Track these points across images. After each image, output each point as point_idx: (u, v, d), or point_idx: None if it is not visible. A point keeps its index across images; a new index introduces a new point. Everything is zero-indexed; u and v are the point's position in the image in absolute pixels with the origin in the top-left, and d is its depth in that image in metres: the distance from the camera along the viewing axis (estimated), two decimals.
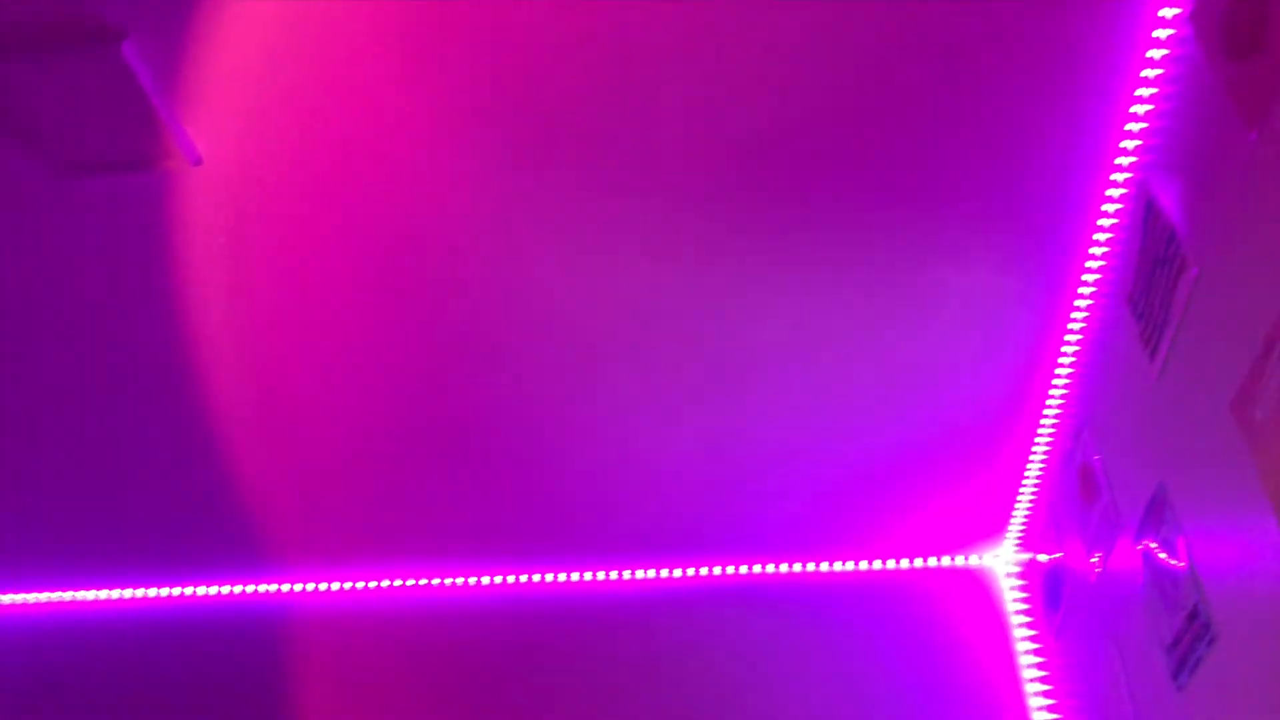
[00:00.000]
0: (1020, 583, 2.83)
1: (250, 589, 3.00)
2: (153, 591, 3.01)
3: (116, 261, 2.08)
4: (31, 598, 3.04)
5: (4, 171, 1.91)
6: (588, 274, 2.11)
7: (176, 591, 3.01)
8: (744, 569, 2.92)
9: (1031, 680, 2.67)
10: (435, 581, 2.96)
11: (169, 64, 1.74)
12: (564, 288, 2.14)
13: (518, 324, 2.21)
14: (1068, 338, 2.22)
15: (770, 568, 2.91)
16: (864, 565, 2.90)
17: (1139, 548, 2.01)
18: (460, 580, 2.96)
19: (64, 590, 3.02)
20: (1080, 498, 2.32)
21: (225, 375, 2.34)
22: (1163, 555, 1.90)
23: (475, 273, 2.11)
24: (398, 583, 2.97)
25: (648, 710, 2.73)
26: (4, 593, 3.03)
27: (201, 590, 3.01)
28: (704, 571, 2.92)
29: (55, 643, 2.98)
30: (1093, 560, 2.28)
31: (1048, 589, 2.63)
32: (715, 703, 2.72)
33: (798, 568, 2.90)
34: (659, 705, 2.73)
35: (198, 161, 1.89)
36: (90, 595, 3.03)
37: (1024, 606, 2.78)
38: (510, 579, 2.95)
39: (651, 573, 2.93)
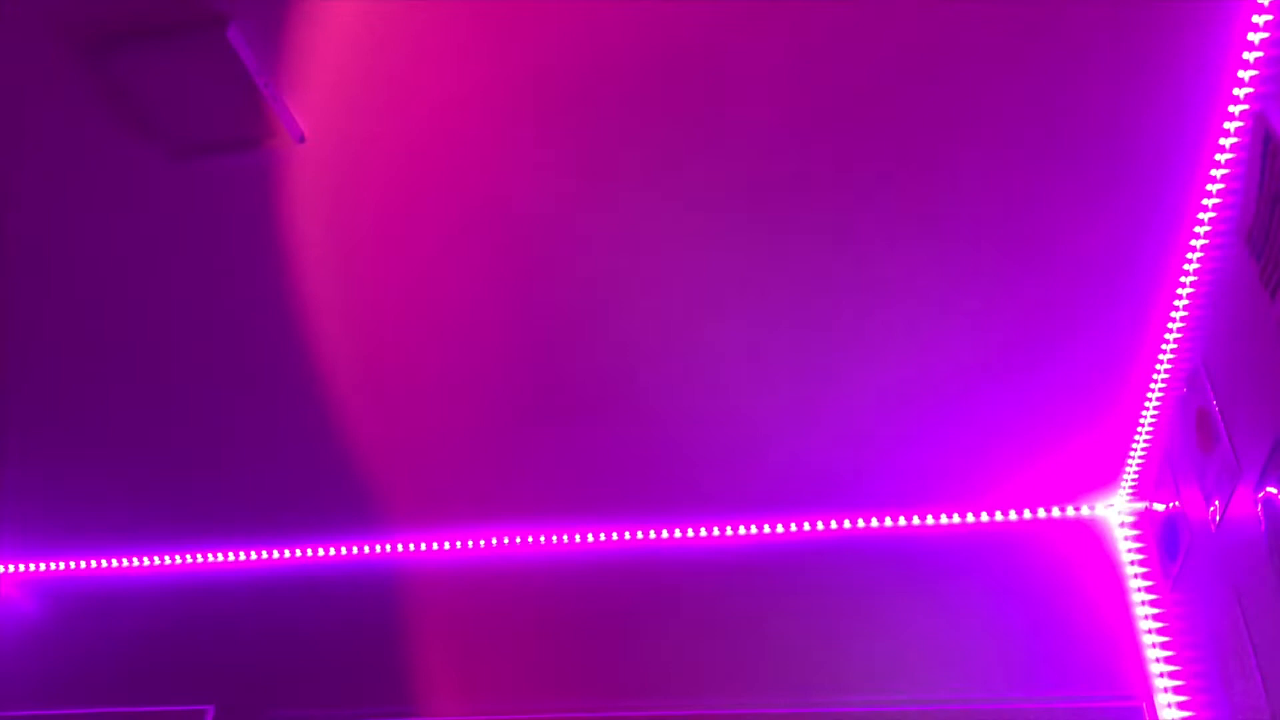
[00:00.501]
0: (1136, 533, 2.75)
1: (368, 550, 3.14)
2: (277, 554, 3.17)
3: (229, 239, 2.17)
4: (162, 559, 3.24)
5: (120, 156, 2.00)
6: (689, 238, 2.11)
7: (299, 553, 3.17)
8: (859, 523, 2.91)
9: (1149, 631, 2.61)
10: (546, 539, 3.05)
11: (271, 46, 1.79)
12: (667, 253, 2.14)
13: (621, 287, 2.23)
14: (1183, 279, 2.13)
15: (886, 521, 2.90)
16: (978, 518, 2.86)
17: (1260, 495, 1.93)
18: (571, 538, 3.03)
19: (199, 552, 3.20)
20: (1197, 444, 2.24)
21: (338, 347, 2.42)
22: None
23: (578, 241, 2.13)
24: (507, 541, 3.06)
25: (763, 665, 2.76)
26: (142, 555, 3.22)
27: (323, 551, 3.15)
28: (818, 526, 2.93)
29: (190, 601, 3.17)
30: (1211, 509, 2.20)
31: (1164, 538, 2.55)
32: (829, 657, 2.73)
33: (915, 521, 2.89)
34: (774, 660, 2.76)
35: (301, 139, 1.95)
36: (219, 558, 3.20)
37: (1140, 557, 2.71)
38: (618, 536, 3.01)
39: (766, 528, 2.95)
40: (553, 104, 1.87)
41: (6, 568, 3.34)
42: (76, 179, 2.06)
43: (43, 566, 3.32)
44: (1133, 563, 2.72)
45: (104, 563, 3.28)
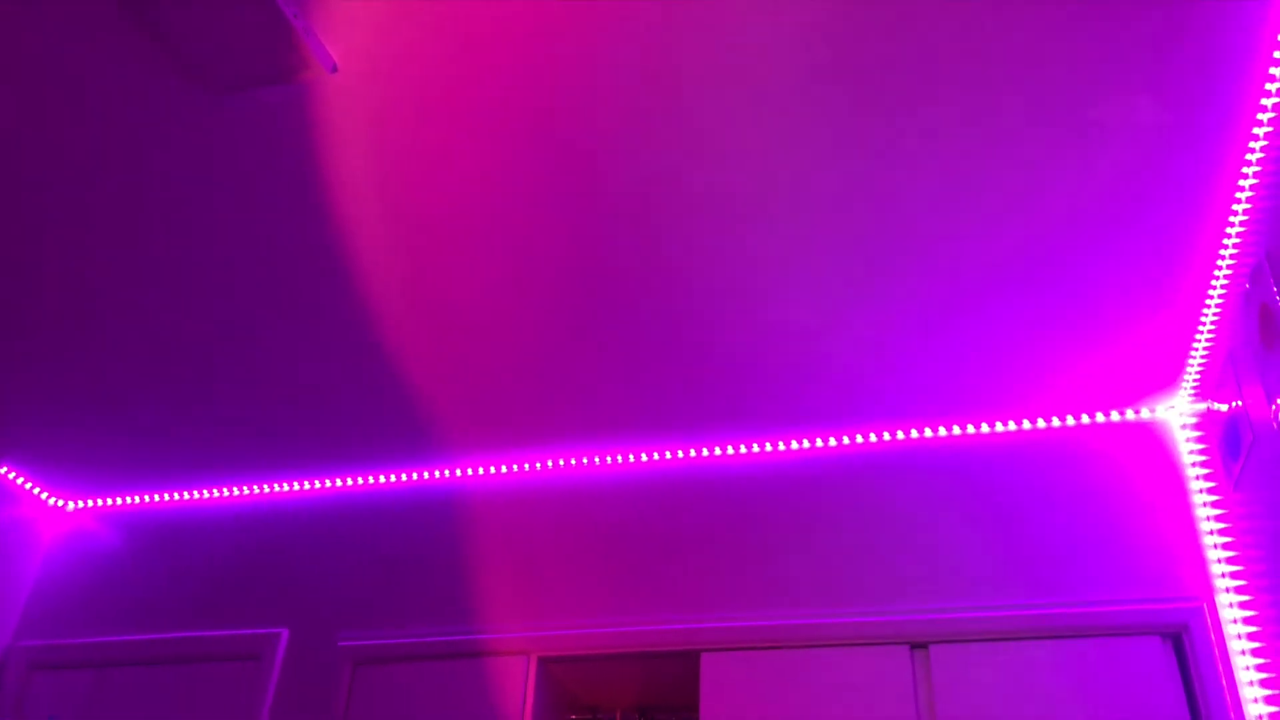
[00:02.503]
0: (1197, 434, 2.70)
1: (428, 475, 3.21)
2: (341, 482, 3.26)
3: (272, 172, 2.19)
4: (233, 491, 3.35)
5: (158, 96, 2.02)
6: (735, 148, 2.08)
7: (363, 480, 3.25)
8: (912, 434, 2.90)
9: (1210, 533, 2.57)
10: (596, 460, 3.09)
11: None
12: (710, 165, 2.12)
13: (666, 201, 2.21)
14: (1245, 169, 2.05)
15: (940, 431, 2.88)
16: (1034, 424, 2.83)
17: None
18: (620, 458, 3.07)
19: (267, 483, 3.31)
20: (1260, 341, 2.18)
21: (385, 274, 2.45)
22: None
23: (624, 157, 2.11)
24: (561, 463, 3.11)
25: (812, 577, 2.78)
26: (214, 487, 3.34)
27: (385, 478, 3.23)
28: (870, 439, 2.92)
29: (260, 530, 3.28)
30: (1273, 407, 2.15)
31: (1226, 439, 2.50)
32: (880, 569, 2.74)
33: (970, 430, 2.86)
34: (824, 572, 2.78)
35: (334, 69, 1.95)
36: (286, 488, 3.30)
37: (1201, 459, 2.66)
38: (669, 455, 3.04)
39: (814, 443, 2.95)
40: (594, 20, 1.84)
41: (87, 503, 3.48)
42: (119, 120, 2.09)
43: (122, 500, 3.45)
44: (1194, 465, 2.67)
45: (179, 495, 3.40)
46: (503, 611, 2.94)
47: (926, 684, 2.57)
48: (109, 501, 3.46)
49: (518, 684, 2.82)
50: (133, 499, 3.44)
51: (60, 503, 3.49)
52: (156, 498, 3.42)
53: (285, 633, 3.05)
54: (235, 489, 3.36)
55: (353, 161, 2.17)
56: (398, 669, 2.93)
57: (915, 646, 2.62)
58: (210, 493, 3.38)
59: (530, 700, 2.79)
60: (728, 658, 2.71)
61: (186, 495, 3.39)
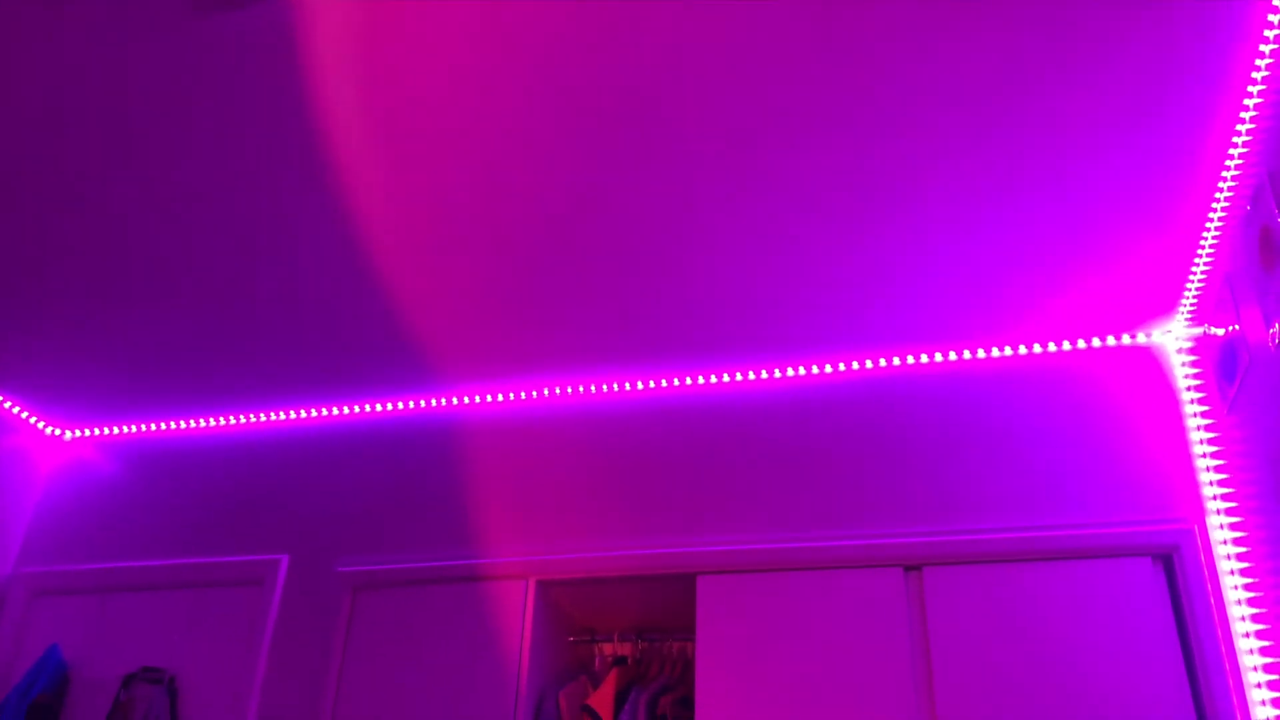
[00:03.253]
0: (1193, 358, 2.70)
1: (425, 403, 3.21)
2: (338, 410, 3.27)
3: (259, 96, 2.15)
4: (230, 419, 3.35)
5: (140, 13, 1.98)
6: (724, 65, 2.04)
7: (360, 409, 3.26)
8: (909, 359, 2.89)
9: (1203, 456, 2.58)
10: (591, 388, 3.09)
11: None
12: (703, 83, 2.08)
13: (661, 123, 2.18)
14: (1249, 89, 2.02)
15: (936, 357, 2.88)
16: (1030, 349, 2.82)
17: None
18: (614, 386, 3.07)
19: (264, 411, 3.31)
20: (1259, 263, 2.17)
21: (376, 203, 2.42)
22: None
23: (610, 75, 2.07)
24: (557, 391, 3.12)
25: (808, 501, 2.80)
26: (211, 416, 3.34)
27: (382, 406, 3.24)
28: (868, 364, 2.92)
29: (259, 458, 3.29)
30: (1271, 330, 2.14)
31: (1222, 362, 2.50)
32: (877, 494, 2.76)
33: (966, 355, 2.86)
34: (821, 497, 2.80)
35: None
36: (284, 416, 3.31)
37: (1197, 383, 2.67)
38: (665, 382, 3.04)
39: (808, 369, 2.95)
40: None
41: (85, 432, 3.49)
42: (108, 40, 2.04)
43: (120, 429, 3.46)
44: (1189, 389, 2.68)
45: (177, 424, 3.40)
46: (501, 536, 2.97)
47: (919, 606, 2.60)
48: (107, 430, 3.47)
49: (516, 607, 2.85)
50: (131, 428, 3.45)
51: (58, 432, 3.49)
52: (154, 426, 3.43)
53: (285, 559, 3.08)
54: (234, 417, 3.36)
55: (340, 85, 2.13)
56: (397, 594, 2.96)
57: (909, 569, 2.65)
58: (208, 421, 3.38)
59: (529, 623, 2.83)
60: (723, 580, 2.74)
61: (184, 424, 3.40)
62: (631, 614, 3.06)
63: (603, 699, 2.79)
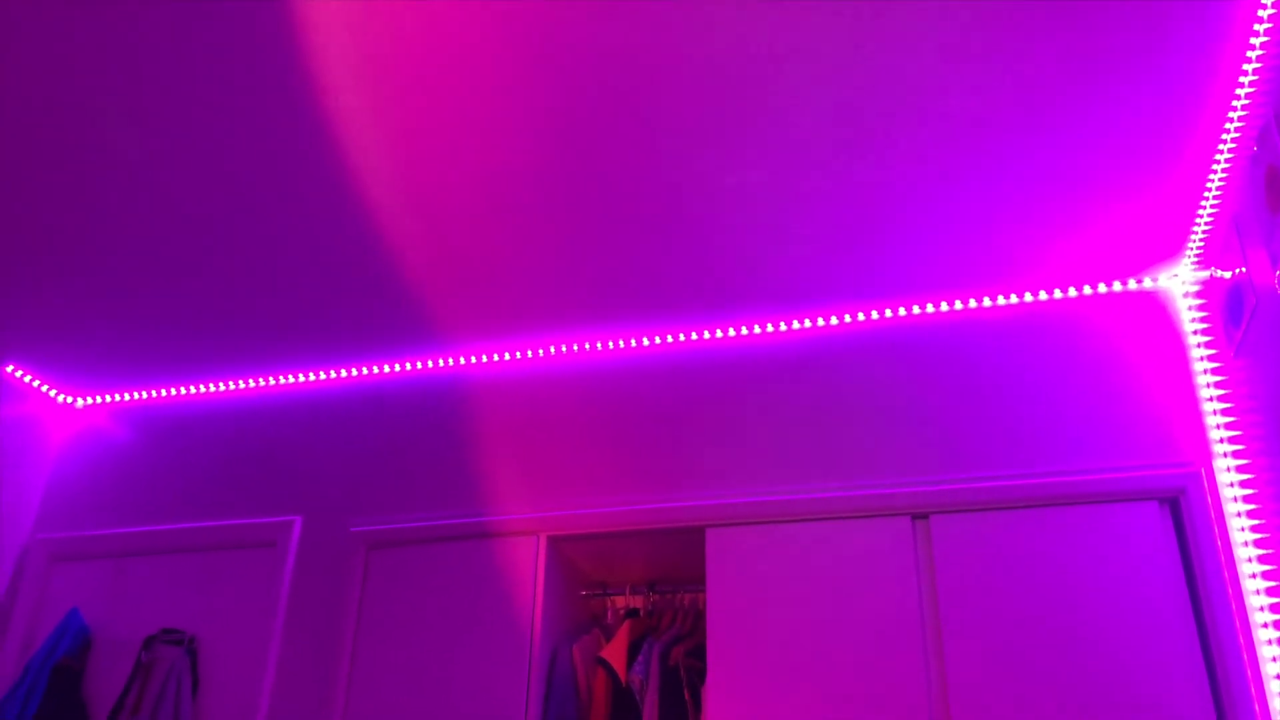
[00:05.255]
0: (1199, 302, 2.69)
1: (432, 364, 3.22)
2: (347, 372, 3.28)
3: (260, 64, 2.14)
4: (241, 384, 3.38)
5: None
6: (717, 11, 2.01)
7: (369, 370, 3.27)
8: (915, 309, 2.89)
9: (1210, 400, 2.58)
10: (597, 345, 3.10)
11: None
12: (695, 34, 2.06)
13: (660, 85, 2.16)
14: (1256, 27, 1.99)
15: (943, 306, 2.87)
16: (1037, 297, 2.81)
17: None
18: (622, 341, 3.08)
19: (275, 374, 3.33)
20: (1266, 205, 2.15)
21: (376, 164, 2.41)
22: None
23: (608, 35, 2.05)
24: (563, 349, 3.12)
25: (812, 453, 2.81)
26: (222, 380, 3.36)
27: (390, 368, 3.26)
28: (874, 315, 2.92)
29: (271, 421, 3.32)
30: (1278, 272, 2.13)
31: (1229, 306, 2.49)
32: (885, 443, 2.77)
33: (972, 304, 2.85)
34: (825, 448, 2.81)
35: None
36: (294, 379, 3.33)
37: (1203, 326, 2.66)
38: (671, 337, 3.05)
39: (820, 320, 2.95)
40: None
41: (97, 399, 3.52)
42: (117, 12, 2.03)
43: (132, 396, 3.48)
44: (1195, 333, 2.67)
45: (187, 389, 3.43)
46: (511, 493, 3.00)
47: (927, 554, 2.62)
48: (118, 397, 3.50)
49: (528, 563, 2.88)
50: (142, 394, 3.47)
51: (69, 399, 3.52)
52: (165, 392, 3.45)
53: (299, 520, 3.12)
54: (244, 381, 3.38)
55: (339, 49, 2.11)
56: (410, 552, 3.00)
57: (916, 517, 2.67)
58: (219, 385, 3.40)
59: (541, 578, 2.86)
60: (733, 532, 2.76)
61: (195, 389, 3.42)
62: (643, 567, 3.09)
63: (616, 651, 2.82)
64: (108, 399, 3.51)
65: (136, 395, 3.48)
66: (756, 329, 3.00)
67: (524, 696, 2.72)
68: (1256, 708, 2.27)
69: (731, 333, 3.01)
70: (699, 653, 2.79)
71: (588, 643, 2.90)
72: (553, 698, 2.77)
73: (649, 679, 2.75)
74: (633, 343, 3.08)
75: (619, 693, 2.77)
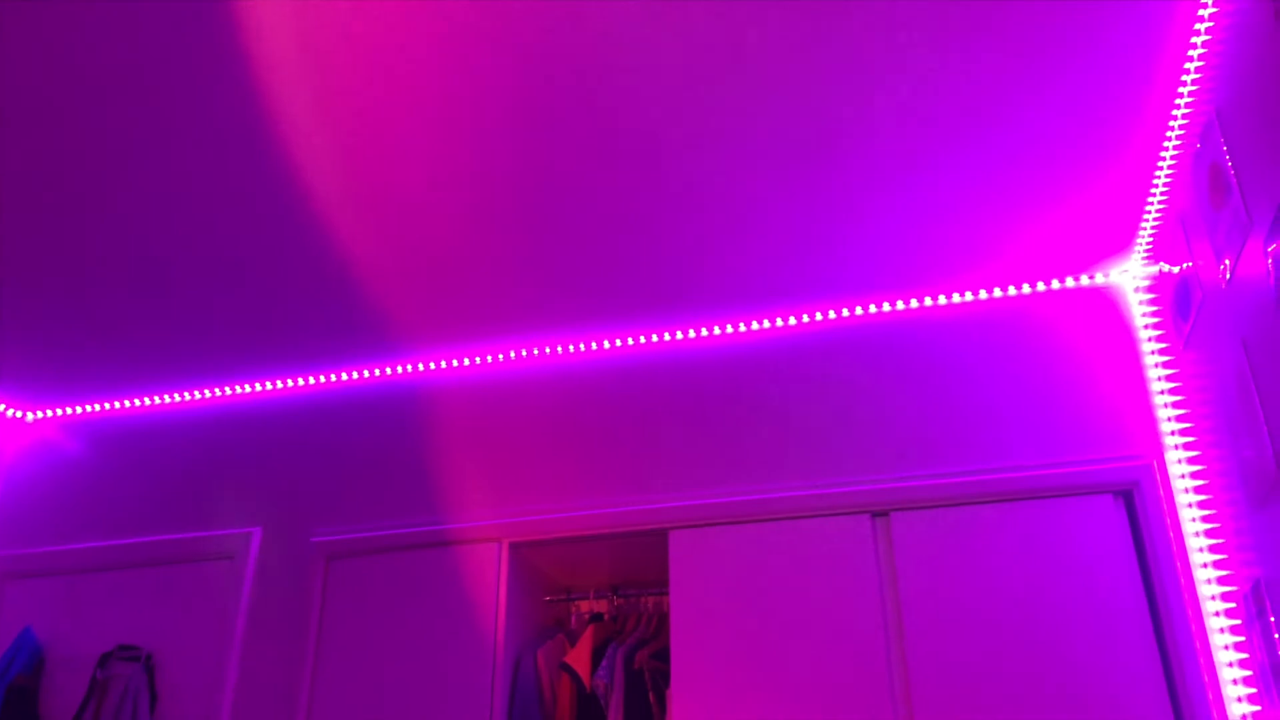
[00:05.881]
0: (1149, 296, 2.73)
1: (393, 370, 3.20)
2: (305, 380, 3.25)
3: (219, 67, 2.11)
4: (196, 394, 3.33)
5: None
6: (682, 32, 2.02)
7: (327, 379, 3.24)
8: (872, 308, 2.91)
9: (1161, 393, 2.62)
10: (557, 349, 3.09)
11: None
12: (661, 52, 2.06)
13: (618, 86, 2.16)
14: (1197, 25, 2.02)
15: (899, 305, 2.89)
16: (991, 294, 2.84)
17: (1270, 248, 1.90)
18: (579, 345, 3.07)
19: (231, 384, 3.29)
20: (1209, 201, 2.19)
21: (331, 169, 2.39)
22: None
23: (568, 34, 2.05)
24: (524, 354, 3.11)
25: (781, 450, 2.82)
26: (178, 391, 3.31)
27: (350, 375, 3.22)
28: (832, 315, 2.93)
29: (228, 432, 3.27)
30: (1222, 266, 2.17)
31: (1177, 300, 2.53)
32: (843, 442, 2.79)
33: (928, 301, 2.87)
34: (792, 446, 2.82)
35: None
36: (251, 388, 3.29)
37: (1154, 320, 2.70)
38: (629, 340, 3.04)
39: (778, 321, 2.96)
40: None
41: (48, 412, 3.45)
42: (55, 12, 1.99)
43: (83, 409, 3.42)
44: (1146, 327, 2.71)
45: (141, 401, 3.37)
46: (472, 500, 2.98)
47: (888, 550, 2.64)
48: (70, 410, 3.43)
49: (491, 570, 2.87)
50: (94, 407, 3.41)
51: (19, 414, 3.46)
52: (118, 404, 3.40)
53: (258, 531, 3.08)
54: (199, 392, 3.33)
55: (286, 49, 2.09)
56: (371, 561, 2.97)
57: (876, 515, 2.69)
58: (173, 397, 3.36)
59: (504, 584, 2.85)
60: (695, 534, 2.77)
61: (149, 401, 3.37)
62: (606, 571, 3.09)
63: (580, 656, 2.82)
64: (58, 412, 3.45)
65: (88, 408, 3.42)
66: (715, 330, 3.01)
67: (488, 703, 2.70)
68: (1210, 696, 2.31)
69: (691, 334, 3.02)
70: (663, 656, 2.79)
71: (552, 648, 2.89)
72: (517, 704, 2.76)
73: (613, 683, 2.75)
74: (593, 346, 3.08)
75: (583, 698, 2.77)
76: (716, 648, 2.62)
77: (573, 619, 3.13)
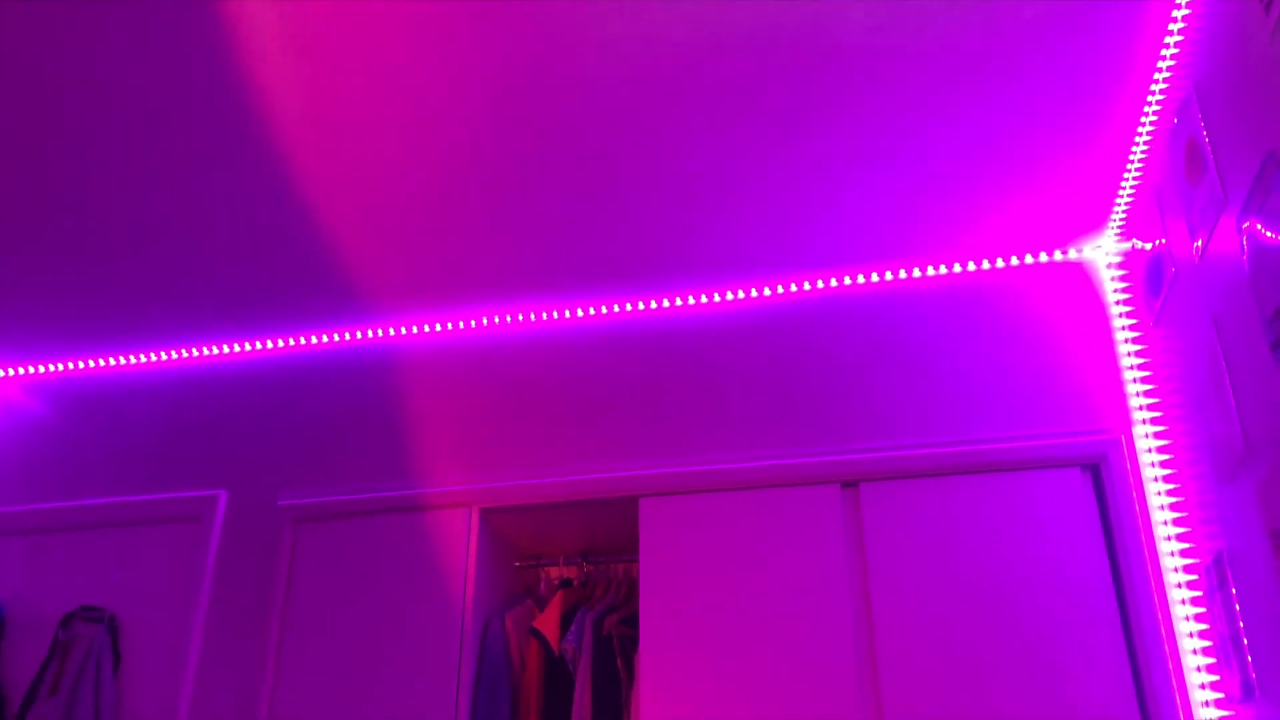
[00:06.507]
0: (1122, 273, 2.75)
1: (362, 335, 3.16)
2: (273, 343, 3.21)
3: (182, 25, 2.06)
4: (163, 354, 3.28)
5: None
6: (657, 11, 2.00)
7: (296, 341, 3.20)
8: (846, 280, 2.90)
9: (1130, 368, 2.65)
10: (530, 316, 3.07)
11: None
12: (637, 28, 2.04)
13: (588, 51, 2.13)
14: (1178, 0, 2.02)
15: (874, 277, 2.89)
16: (965, 268, 2.84)
17: (1243, 225, 1.91)
18: (552, 313, 3.05)
19: (197, 345, 3.24)
20: (1185, 177, 2.20)
21: (307, 131, 2.35)
22: (1269, 234, 1.80)
23: (553, 12, 2.02)
24: (498, 320, 3.09)
25: (752, 419, 2.82)
26: (143, 351, 3.26)
27: (319, 339, 3.19)
28: (805, 286, 2.92)
29: (194, 394, 3.23)
30: (1196, 243, 2.18)
31: (1149, 276, 2.55)
32: (814, 413, 2.79)
33: (902, 274, 2.87)
34: (763, 415, 2.82)
35: None
36: (218, 350, 3.24)
37: (1125, 296, 2.72)
38: (602, 308, 3.02)
39: (753, 292, 2.95)
40: None
41: (10, 371, 3.39)
42: None
43: (46, 369, 3.36)
44: (1118, 303, 2.73)
45: (106, 361, 3.32)
46: (443, 465, 2.96)
47: (856, 521, 2.66)
48: (32, 369, 3.37)
49: (460, 535, 2.86)
50: (57, 366, 3.35)
51: None
52: (82, 364, 3.34)
53: (224, 494, 3.05)
54: (165, 353, 3.28)
55: (267, 22, 2.05)
56: (339, 526, 2.95)
57: (846, 485, 2.70)
58: (138, 358, 3.30)
59: (473, 550, 2.84)
60: (665, 502, 2.77)
61: (114, 361, 3.31)
62: (576, 538, 3.09)
63: (549, 621, 2.82)
64: (21, 371, 3.38)
65: (51, 368, 3.36)
66: (690, 300, 2.99)
67: (456, 668, 2.70)
68: (1170, 665, 2.34)
69: (665, 304, 3.00)
70: (632, 622, 2.80)
71: (520, 613, 2.89)
72: (485, 669, 2.76)
73: (582, 648, 2.75)
74: (566, 314, 3.06)
75: (552, 662, 2.77)
76: (685, 615, 2.63)
77: (542, 585, 3.13)
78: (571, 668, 2.75)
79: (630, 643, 2.77)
